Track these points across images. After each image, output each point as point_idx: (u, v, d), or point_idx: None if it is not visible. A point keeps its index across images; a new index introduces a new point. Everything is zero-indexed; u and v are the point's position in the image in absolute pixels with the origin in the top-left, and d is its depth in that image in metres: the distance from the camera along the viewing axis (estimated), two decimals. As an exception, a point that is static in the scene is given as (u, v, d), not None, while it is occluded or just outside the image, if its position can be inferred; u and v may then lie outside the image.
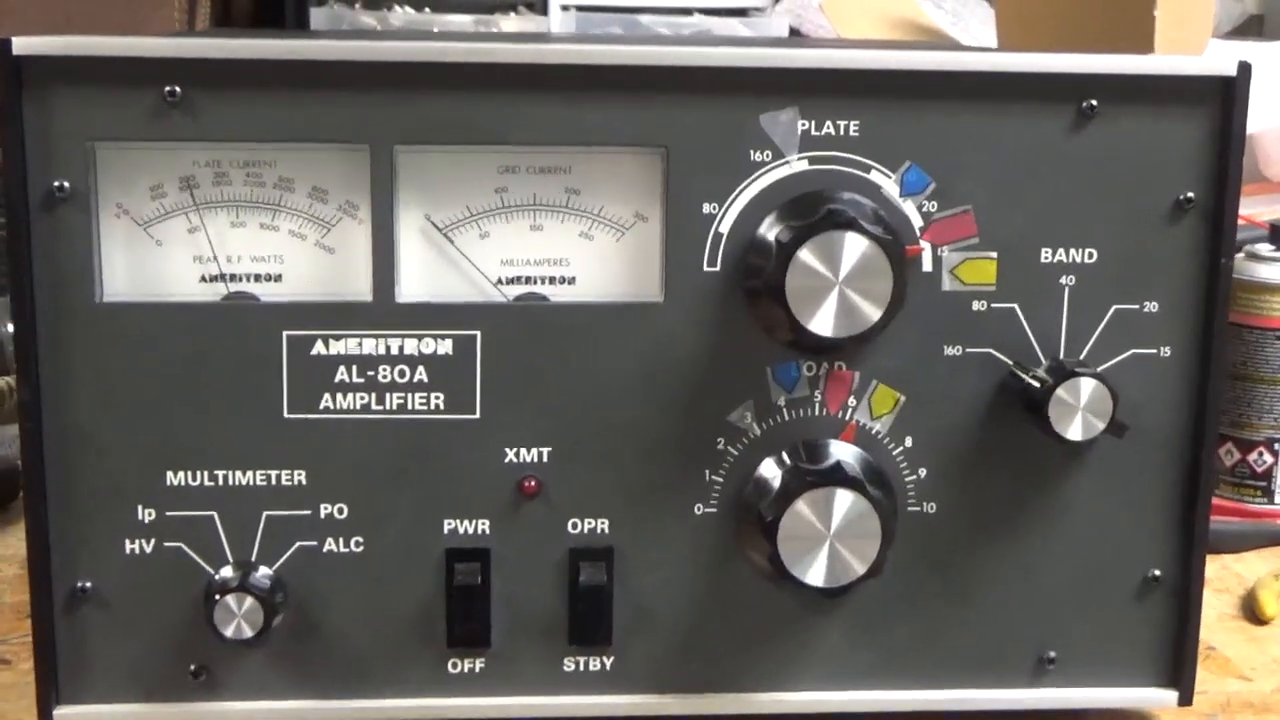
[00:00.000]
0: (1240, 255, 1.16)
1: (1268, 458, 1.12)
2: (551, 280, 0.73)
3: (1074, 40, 1.38)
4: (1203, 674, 0.83)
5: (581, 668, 0.75)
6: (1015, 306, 0.74)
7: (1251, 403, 1.12)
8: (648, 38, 1.91)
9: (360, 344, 0.72)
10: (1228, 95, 0.73)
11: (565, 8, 2.36)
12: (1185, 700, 0.77)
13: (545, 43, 0.75)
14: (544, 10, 2.40)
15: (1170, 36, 1.28)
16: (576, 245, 0.73)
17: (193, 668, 0.73)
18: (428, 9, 2.28)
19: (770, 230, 0.71)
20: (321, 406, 0.72)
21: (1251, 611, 0.94)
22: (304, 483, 0.73)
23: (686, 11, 2.35)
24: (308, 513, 0.73)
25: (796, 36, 2.21)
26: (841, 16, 1.83)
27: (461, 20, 2.05)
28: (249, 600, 0.71)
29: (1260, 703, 0.81)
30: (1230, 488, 1.13)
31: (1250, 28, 2.75)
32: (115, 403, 0.71)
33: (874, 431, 0.75)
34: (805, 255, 0.68)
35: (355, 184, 0.71)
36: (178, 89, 0.69)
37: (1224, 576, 1.01)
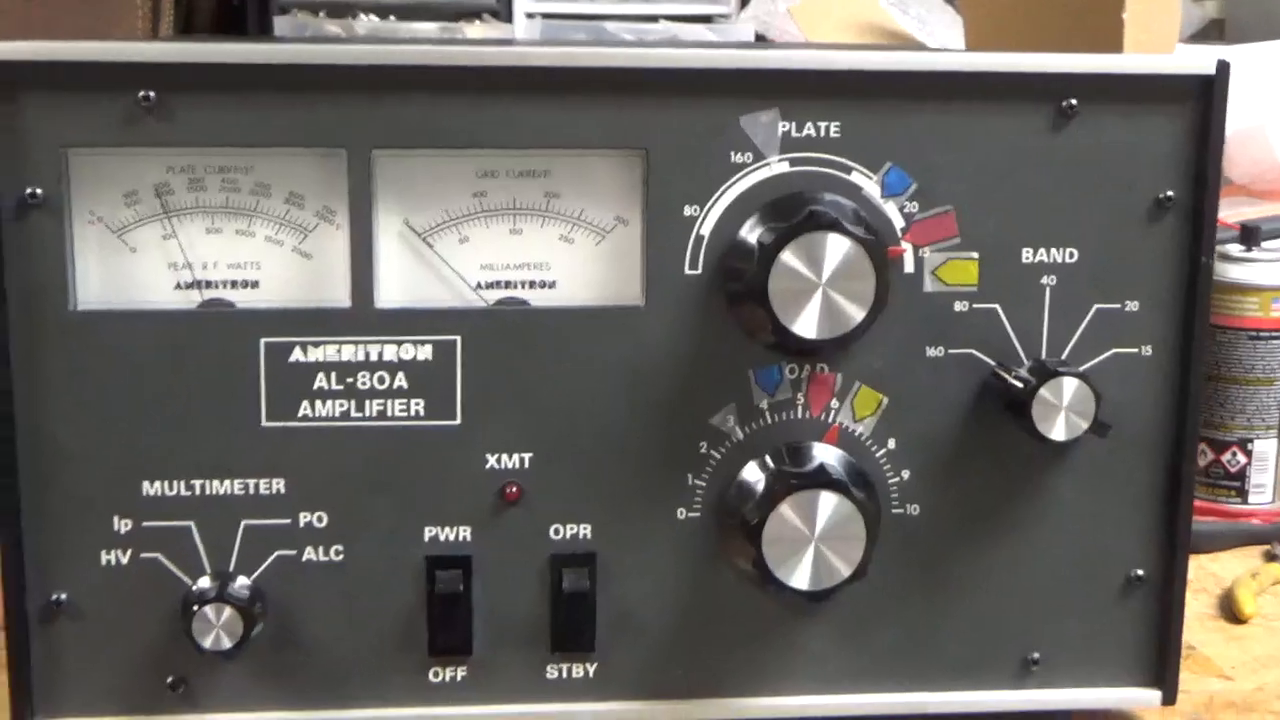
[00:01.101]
0: (1211, 256, 1.17)
1: (1241, 458, 1.12)
2: (531, 285, 0.73)
3: (1042, 46, 1.38)
4: (1184, 674, 0.83)
5: (565, 675, 0.75)
6: (997, 307, 0.74)
7: (1224, 403, 1.12)
8: (616, 43, 1.90)
9: (339, 350, 0.71)
10: (1207, 94, 0.73)
11: (530, 15, 2.35)
12: (1169, 700, 0.77)
13: (523, 45, 0.74)
14: (509, 18, 2.39)
15: (1138, 40, 1.28)
16: (556, 249, 0.73)
17: (170, 680, 0.72)
18: (392, 17, 2.27)
19: (752, 232, 0.70)
20: (300, 414, 0.71)
21: (1230, 611, 0.94)
22: (283, 491, 0.72)
23: (652, 18, 2.34)
24: (287, 522, 0.72)
25: (763, 41, 2.21)
26: (810, 22, 1.84)
27: (426, 28, 2.04)
28: (227, 611, 0.70)
29: (1242, 701, 0.81)
30: (1204, 488, 1.14)
31: (1211, 32, 2.77)
32: (90, 412, 0.70)
33: (857, 434, 0.74)
34: (787, 257, 0.68)
35: (332, 189, 0.71)
36: (152, 94, 0.68)
37: (1200, 576, 1.01)
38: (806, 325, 0.69)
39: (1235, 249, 1.15)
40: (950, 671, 0.76)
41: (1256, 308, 1.12)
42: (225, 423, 0.71)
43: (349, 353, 0.71)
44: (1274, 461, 1.13)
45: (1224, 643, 0.90)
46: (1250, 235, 1.16)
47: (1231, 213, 1.81)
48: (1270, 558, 1.03)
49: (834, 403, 0.74)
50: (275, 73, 0.69)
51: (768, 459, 0.72)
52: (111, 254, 0.71)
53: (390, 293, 0.72)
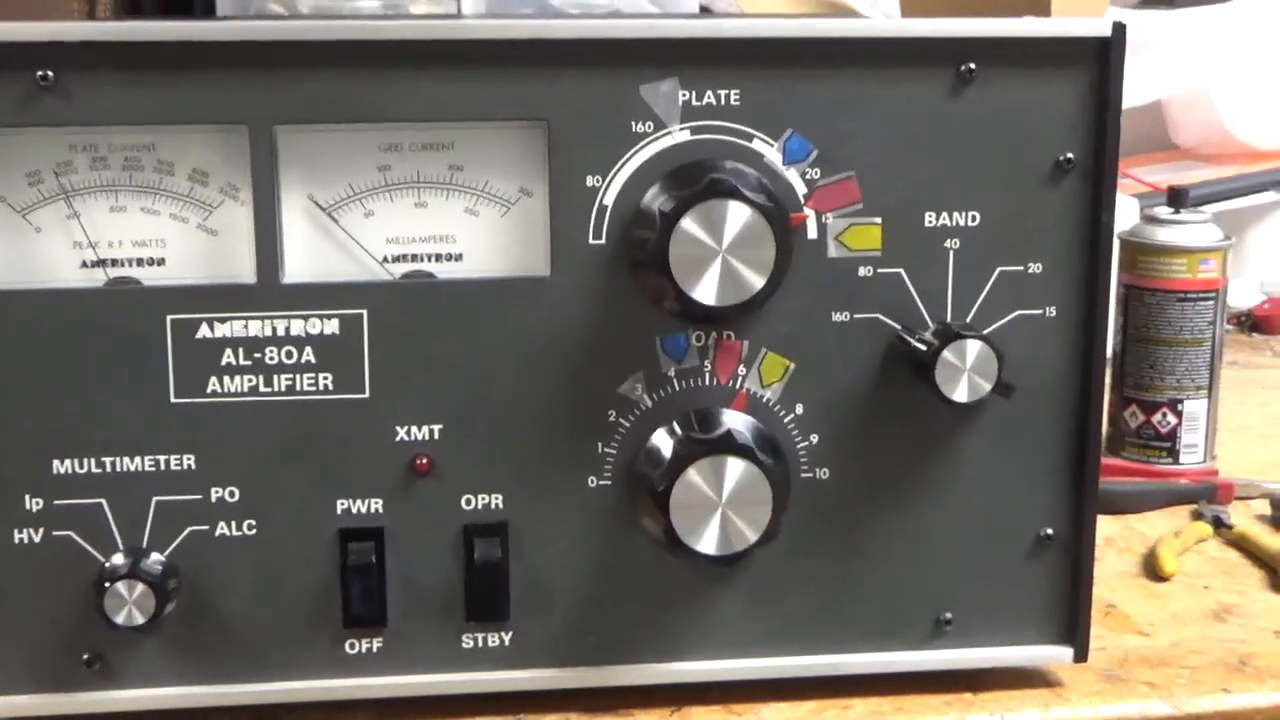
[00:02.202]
0: (1140, 220, 1.17)
1: (1171, 418, 1.13)
2: (438, 257, 0.73)
3: (971, 14, 1.39)
4: (1102, 631, 0.84)
5: (480, 644, 0.75)
6: (901, 271, 0.74)
7: (1154, 365, 1.13)
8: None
9: (246, 326, 0.71)
10: (1104, 55, 0.73)
11: (478, -9, 2.34)
12: (1080, 657, 0.78)
13: (420, 19, 0.75)
14: (457, -6, 2.38)
15: (1067, 5, 1.29)
16: (462, 222, 0.73)
17: (86, 657, 0.73)
18: (339, -5, 2.26)
19: (654, 201, 0.71)
20: (209, 390, 0.72)
21: (1152, 569, 0.95)
22: (193, 467, 0.72)
23: (599, -7, 2.33)
24: (198, 497, 0.72)
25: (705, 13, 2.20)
26: (752, -5, 1.83)
27: (370, 5, 2.03)
28: (140, 587, 0.70)
29: (1157, 657, 0.82)
30: (1136, 449, 1.15)
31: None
32: (-2, 392, 0.70)
33: (765, 399, 0.75)
34: (687, 224, 0.69)
35: (236, 165, 0.71)
36: (50, 73, 0.68)
37: (1127, 536, 1.02)
38: (707, 292, 0.69)
39: (1163, 211, 1.16)
40: (863, 633, 0.77)
41: (1184, 269, 1.13)
42: (134, 400, 0.71)
43: (256, 328, 0.71)
44: (1205, 422, 1.14)
45: (1144, 600, 0.91)
46: (1178, 198, 1.17)
47: (1176, 176, 1.82)
48: (1197, 516, 1.04)
49: (741, 369, 0.74)
50: (173, 49, 0.69)
51: (675, 425, 0.73)
52: (16, 234, 0.71)
53: (296, 268, 0.72)
